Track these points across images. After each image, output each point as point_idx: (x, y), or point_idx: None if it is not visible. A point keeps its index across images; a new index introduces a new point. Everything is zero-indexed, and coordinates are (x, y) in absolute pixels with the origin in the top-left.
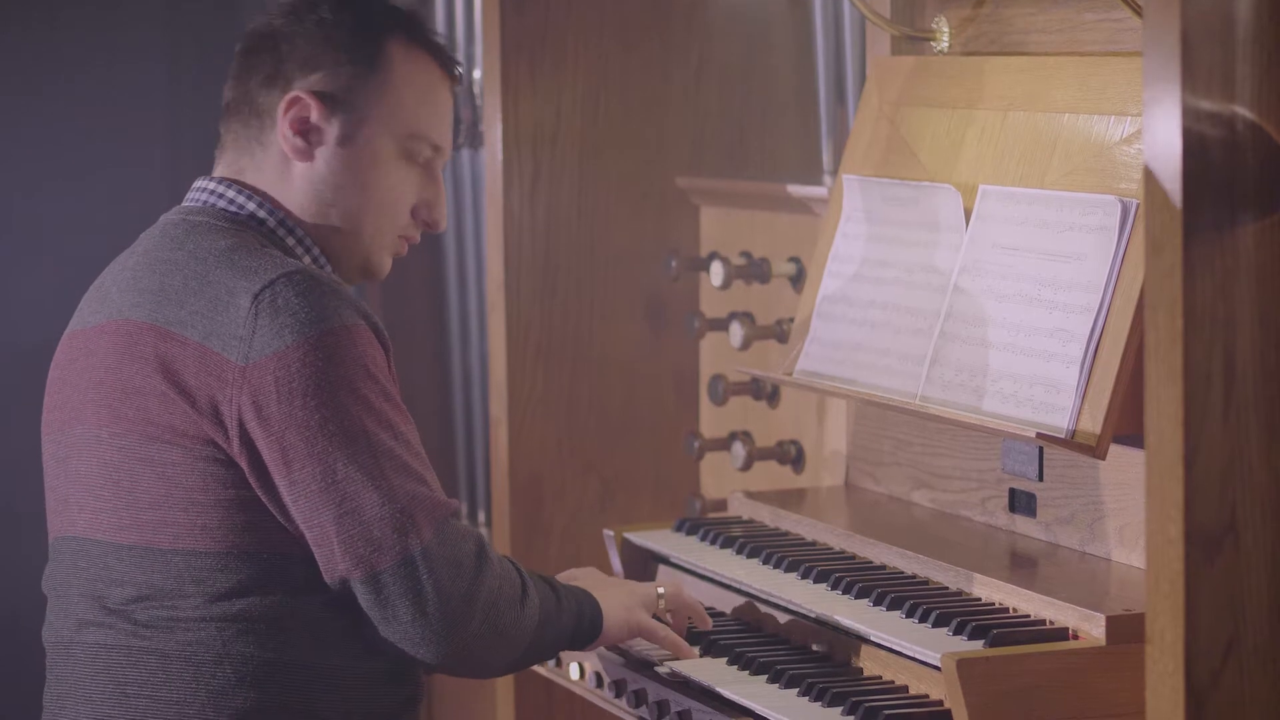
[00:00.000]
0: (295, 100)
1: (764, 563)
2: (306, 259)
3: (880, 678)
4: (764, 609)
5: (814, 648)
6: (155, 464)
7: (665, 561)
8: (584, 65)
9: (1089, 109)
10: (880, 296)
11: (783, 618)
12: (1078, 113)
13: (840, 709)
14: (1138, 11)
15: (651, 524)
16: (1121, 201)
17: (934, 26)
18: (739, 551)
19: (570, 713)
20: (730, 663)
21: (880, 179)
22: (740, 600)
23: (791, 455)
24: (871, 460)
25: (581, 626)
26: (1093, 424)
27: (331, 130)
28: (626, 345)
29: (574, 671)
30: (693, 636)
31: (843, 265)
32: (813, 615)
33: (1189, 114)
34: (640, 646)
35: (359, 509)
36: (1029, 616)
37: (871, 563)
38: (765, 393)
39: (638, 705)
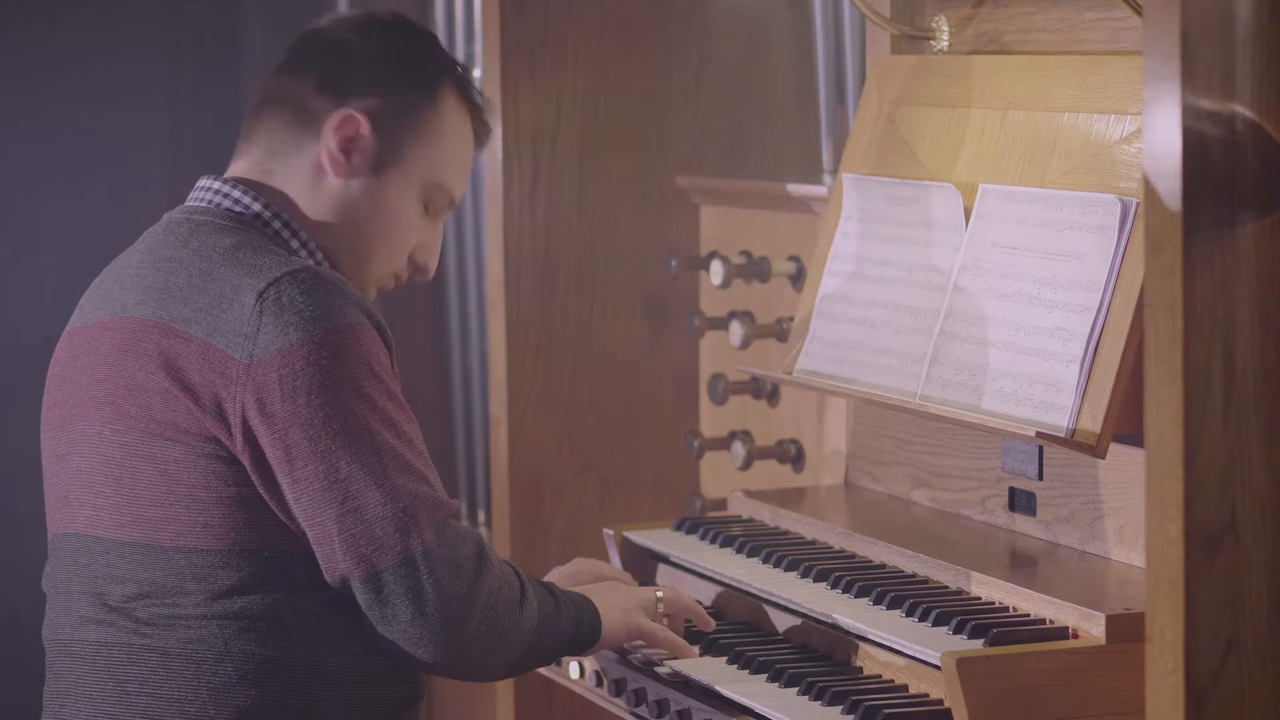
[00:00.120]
0: (350, 117)
1: (764, 562)
2: (310, 262)
3: (880, 677)
4: (764, 608)
5: (814, 647)
6: (157, 461)
7: (665, 561)
8: (584, 64)
9: (1089, 108)
10: (880, 295)
11: (783, 617)
12: (1077, 111)
13: (840, 708)
14: (1137, 10)
15: (651, 523)
16: (1121, 200)
17: (934, 25)
18: (739, 551)
19: (570, 712)
20: (730, 662)
21: (880, 178)
22: (741, 599)
23: (791, 454)
24: (871, 459)
25: (580, 631)
26: (1093, 423)
27: (371, 156)
28: (626, 344)
29: (574, 670)
30: (692, 636)
31: (843, 264)
32: (813, 614)
33: (1189, 113)
34: (640, 650)
35: (361, 508)
36: (1029, 615)
37: (871, 562)
38: (765, 392)
39: (637, 704)
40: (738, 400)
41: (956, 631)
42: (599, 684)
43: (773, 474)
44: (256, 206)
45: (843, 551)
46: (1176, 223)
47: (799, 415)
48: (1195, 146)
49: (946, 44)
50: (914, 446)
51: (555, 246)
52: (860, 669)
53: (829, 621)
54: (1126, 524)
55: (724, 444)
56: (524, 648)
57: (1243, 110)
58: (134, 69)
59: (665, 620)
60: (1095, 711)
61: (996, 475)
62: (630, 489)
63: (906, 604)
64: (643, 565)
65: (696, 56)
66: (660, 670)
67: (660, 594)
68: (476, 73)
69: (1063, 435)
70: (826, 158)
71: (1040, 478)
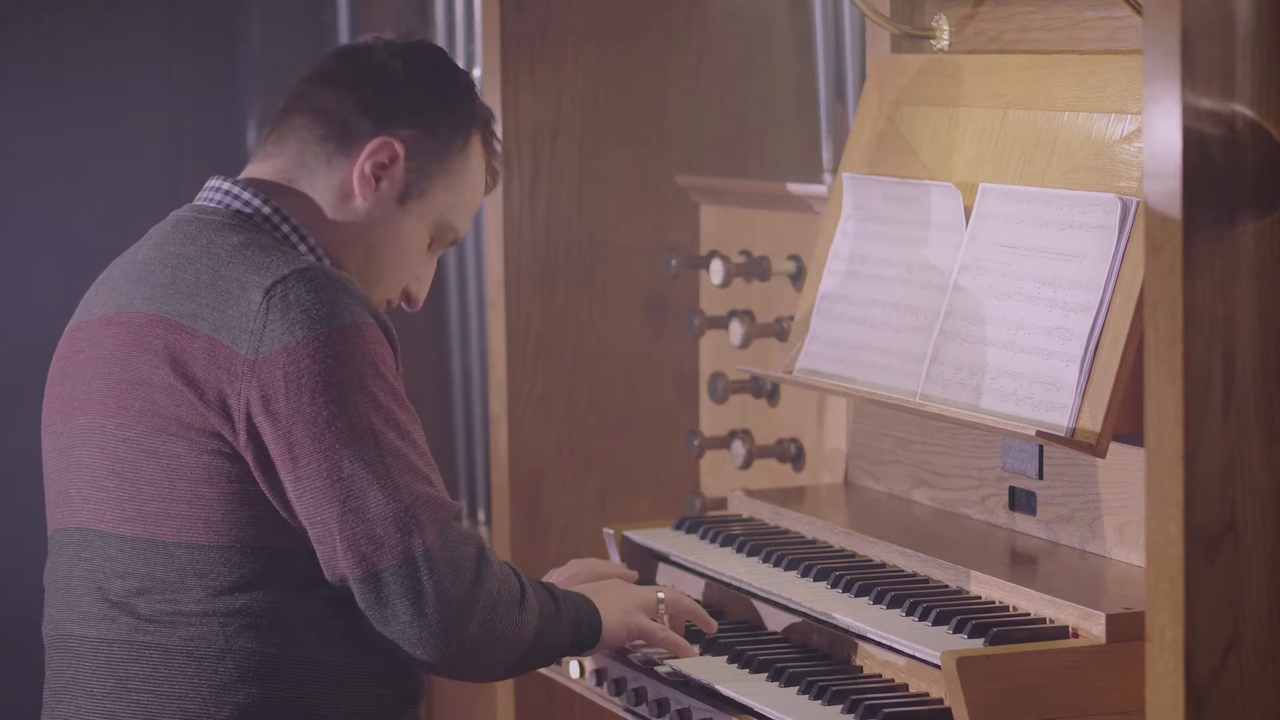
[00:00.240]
0: (388, 144)
1: (764, 561)
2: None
3: (880, 676)
4: (764, 607)
5: (814, 646)
6: (160, 456)
7: (665, 560)
8: (584, 63)
9: (1089, 107)
10: (880, 295)
11: (783, 616)
12: (1078, 111)
13: (840, 707)
14: (1138, 9)
15: (651, 522)
16: (1121, 200)
17: (934, 25)
18: (739, 550)
19: (570, 711)
20: (730, 661)
21: (880, 177)
22: (741, 598)
23: (791, 453)
24: (871, 458)
25: (581, 632)
26: (1093, 422)
27: (399, 185)
28: (626, 343)
29: (574, 670)
30: (693, 636)
31: (843, 263)
32: (813, 613)
33: (1189, 112)
34: (640, 649)
35: (363, 507)
36: (1029, 615)
37: (871, 561)
38: (765, 391)
39: (638, 703)
40: (738, 399)
41: (956, 631)
42: (599, 683)
43: (773, 473)
44: (266, 209)
45: (843, 551)
46: (1176, 222)
47: (799, 414)
48: (1195, 146)
49: (946, 43)
50: (914, 446)
51: (555, 245)
52: (860, 668)
53: (829, 621)
54: (1126, 523)
55: (724, 443)
56: (524, 649)
57: (1243, 109)
58: (134, 69)
59: (666, 621)
60: (1095, 711)
61: (996, 474)
62: (630, 488)
63: (906, 603)
64: (643, 564)
65: (696, 55)
66: (660, 669)
67: (662, 595)
68: (476, 72)
69: (1063, 434)
70: (826, 157)
71: (1040, 477)
